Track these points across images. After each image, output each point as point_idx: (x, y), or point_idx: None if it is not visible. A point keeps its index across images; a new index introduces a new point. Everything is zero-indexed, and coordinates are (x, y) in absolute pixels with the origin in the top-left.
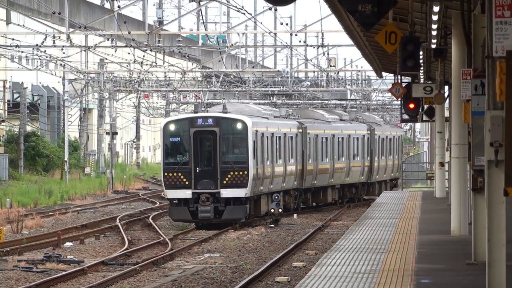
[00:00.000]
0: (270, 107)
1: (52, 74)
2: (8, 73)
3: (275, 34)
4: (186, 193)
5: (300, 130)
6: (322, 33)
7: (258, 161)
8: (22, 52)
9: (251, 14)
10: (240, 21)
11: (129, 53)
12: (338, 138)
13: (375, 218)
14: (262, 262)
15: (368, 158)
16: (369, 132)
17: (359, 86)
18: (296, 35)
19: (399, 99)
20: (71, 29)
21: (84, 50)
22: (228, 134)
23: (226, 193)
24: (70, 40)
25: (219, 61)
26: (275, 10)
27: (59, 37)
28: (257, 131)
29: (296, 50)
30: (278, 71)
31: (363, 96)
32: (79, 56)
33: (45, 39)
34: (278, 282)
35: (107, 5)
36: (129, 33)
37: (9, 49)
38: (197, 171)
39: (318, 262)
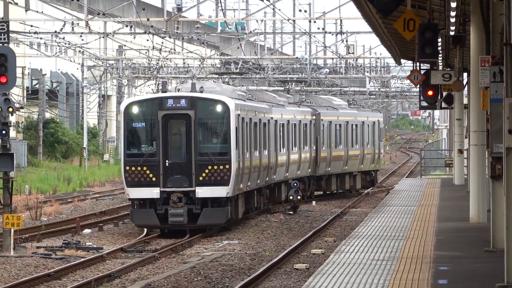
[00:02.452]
0: (284, 93)
1: (71, 61)
2: (27, 60)
3: (294, 21)
4: (153, 192)
5: (314, 117)
6: (341, 20)
7: (240, 152)
8: (41, 38)
9: (269, 1)
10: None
11: (147, 40)
12: (352, 125)
13: (393, 205)
14: (281, 249)
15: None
16: (379, 119)
17: (377, 73)
18: (314, 22)
19: (418, 86)
20: (90, 16)
21: (103, 37)
22: (205, 119)
23: (202, 192)
24: (89, 26)
25: (238, 48)
26: None
27: (78, 23)
28: (239, 115)
29: (314, 37)
30: (297, 58)
31: (382, 83)
32: (97, 43)
33: (64, 25)
34: (296, 269)
35: None
36: (148, 19)
37: (28, 36)
38: (167, 164)
39: (337, 249)
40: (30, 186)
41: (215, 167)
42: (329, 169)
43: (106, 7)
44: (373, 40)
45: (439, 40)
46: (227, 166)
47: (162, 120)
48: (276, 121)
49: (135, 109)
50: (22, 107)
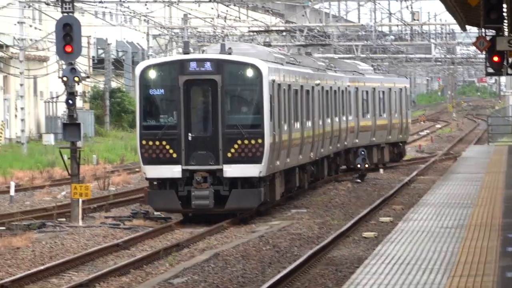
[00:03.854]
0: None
1: (136, 30)
2: (92, 29)
3: None
4: (174, 171)
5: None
6: None
7: (276, 124)
8: (106, 8)
9: None
10: None
11: (212, 8)
12: (379, 92)
13: (461, 172)
14: (349, 217)
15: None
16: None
17: (443, 40)
18: None
19: (484, 52)
20: None
21: (168, 6)
22: (234, 85)
23: (231, 171)
24: None
25: (303, 15)
26: None
27: None
28: (274, 81)
29: (379, 4)
30: (362, 25)
31: (448, 50)
32: (162, 12)
33: None
34: (365, 238)
35: None
36: None
37: (92, 5)
38: (190, 138)
39: (405, 217)
40: (97, 156)
41: (246, 141)
42: (357, 140)
43: None
44: (438, 6)
45: (504, 5)
46: (259, 141)
47: (184, 87)
48: (322, 87)
49: (152, 74)
50: (88, 77)
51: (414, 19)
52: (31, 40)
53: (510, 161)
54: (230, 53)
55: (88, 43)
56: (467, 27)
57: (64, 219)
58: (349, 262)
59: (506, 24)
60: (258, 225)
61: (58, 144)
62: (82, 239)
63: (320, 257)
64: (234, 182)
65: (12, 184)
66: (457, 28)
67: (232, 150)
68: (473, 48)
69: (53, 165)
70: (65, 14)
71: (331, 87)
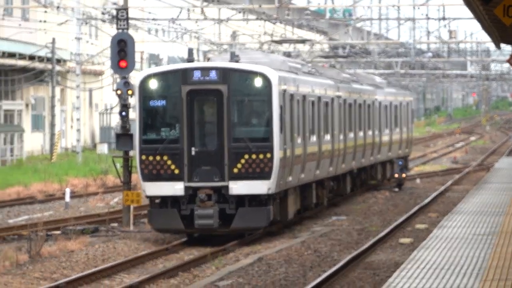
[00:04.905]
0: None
1: (187, 46)
2: (145, 45)
3: (399, 7)
4: (176, 188)
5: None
6: (444, 7)
7: (288, 137)
8: (159, 25)
9: None
10: None
11: (259, 26)
12: (394, 106)
13: (493, 182)
14: (387, 224)
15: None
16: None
17: (478, 57)
18: (418, 8)
19: None
20: (205, 3)
21: (218, 23)
22: (241, 95)
23: (237, 187)
24: (204, 13)
25: (345, 33)
26: None
27: (194, 10)
28: (285, 91)
29: (418, 22)
30: (402, 42)
31: (482, 66)
32: (212, 29)
33: (180, 12)
34: (401, 244)
35: None
36: (260, 6)
37: (146, 22)
38: (193, 153)
39: (440, 224)
40: None
41: (253, 156)
42: (379, 156)
43: None
44: (474, 25)
45: None
46: (268, 155)
47: (187, 97)
48: (345, 100)
49: (153, 83)
50: None
51: (451, 37)
52: (87, 55)
53: None
54: (237, 61)
55: (141, 58)
56: (502, 45)
57: (116, 224)
58: (386, 266)
59: None
60: (300, 230)
61: (111, 153)
62: (133, 243)
63: (359, 262)
64: (241, 200)
65: (68, 191)
66: (492, 46)
67: (239, 166)
68: (507, 65)
69: (106, 173)
70: (120, 30)
71: (355, 100)
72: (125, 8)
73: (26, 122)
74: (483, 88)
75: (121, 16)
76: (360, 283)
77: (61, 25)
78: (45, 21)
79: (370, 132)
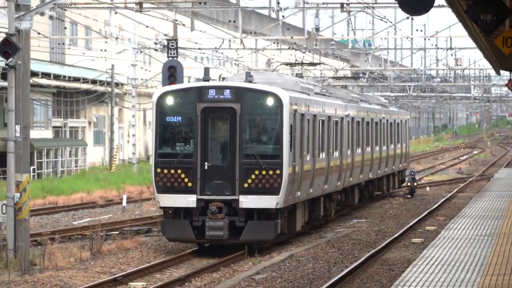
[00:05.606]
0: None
1: (228, 72)
2: (192, 71)
3: (412, 38)
4: (188, 200)
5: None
6: (451, 38)
7: (298, 154)
8: (204, 53)
9: (391, 22)
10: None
11: (291, 54)
12: (397, 123)
13: (493, 190)
14: (400, 226)
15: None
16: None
17: (480, 82)
18: (429, 39)
19: None
20: (244, 35)
21: (254, 52)
22: (253, 114)
23: (247, 201)
24: (243, 43)
25: (365, 61)
26: (412, 19)
27: (234, 41)
28: (296, 110)
29: (429, 52)
30: (414, 69)
31: (484, 90)
32: (250, 57)
33: (222, 43)
34: (413, 243)
35: (273, 15)
36: (292, 37)
37: (193, 51)
38: (206, 167)
39: (447, 226)
40: None
41: (263, 172)
42: (386, 169)
43: (257, 27)
44: (477, 54)
45: None
46: (277, 172)
47: (202, 114)
48: (352, 118)
49: (169, 100)
50: None
51: (457, 65)
52: (142, 79)
53: None
54: (250, 81)
55: (189, 82)
56: (501, 71)
57: None
58: (400, 263)
59: None
60: (326, 231)
61: None
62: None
63: (376, 259)
64: (250, 213)
65: (124, 196)
66: (492, 72)
67: (249, 181)
68: (505, 88)
69: None
70: (170, 58)
71: (363, 118)
72: (174, 39)
73: (89, 137)
74: (485, 108)
75: (171, 46)
76: (378, 277)
77: (119, 54)
78: (105, 50)
79: (377, 148)
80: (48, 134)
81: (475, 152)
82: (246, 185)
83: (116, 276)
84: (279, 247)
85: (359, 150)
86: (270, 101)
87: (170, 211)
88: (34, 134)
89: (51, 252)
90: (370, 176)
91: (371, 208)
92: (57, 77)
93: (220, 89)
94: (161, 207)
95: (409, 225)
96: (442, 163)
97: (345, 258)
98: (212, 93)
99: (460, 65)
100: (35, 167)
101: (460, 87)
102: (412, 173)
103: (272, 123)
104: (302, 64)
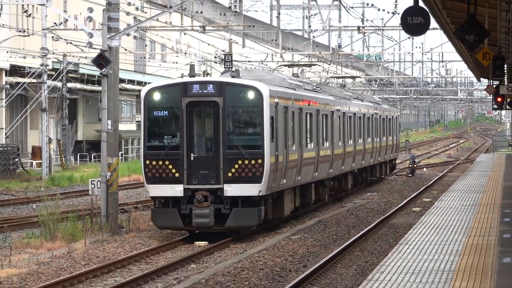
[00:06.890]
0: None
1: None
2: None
3: (412, 53)
4: (176, 190)
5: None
6: (442, 53)
7: (281, 145)
8: (252, 65)
9: (397, 41)
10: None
11: (319, 66)
12: (389, 119)
13: (476, 171)
14: (404, 198)
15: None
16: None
17: (465, 87)
18: (425, 54)
19: (491, 95)
20: (283, 50)
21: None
22: (235, 107)
23: (231, 190)
24: (282, 57)
25: (377, 70)
26: (412, 38)
27: (275, 55)
28: (277, 103)
29: (425, 64)
30: (414, 77)
31: (468, 93)
32: (287, 69)
33: (266, 56)
34: (413, 211)
35: (306, 35)
36: (320, 53)
37: (244, 63)
38: (192, 158)
39: (439, 198)
40: None
41: (246, 161)
42: (379, 158)
43: (293, 45)
44: (463, 65)
45: (505, 65)
46: (259, 161)
47: (187, 108)
48: (344, 113)
49: (156, 96)
50: None
51: (447, 73)
52: None
53: (507, 163)
54: (234, 77)
55: None
56: (481, 79)
57: None
58: (403, 226)
59: (506, 77)
60: (346, 202)
61: None
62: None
63: (385, 223)
64: (235, 201)
65: None
66: (474, 79)
67: (233, 170)
68: (485, 92)
69: None
70: (226, 68)
71: (354, 113)
72: (230, 54)
73: None
74: (469, 107)
75: (227, 59)
76: (386, 237)
77: (187, 65)
78: (176, 62)
79: (369, 139)
80: (133, 127)
81: (461, 141)
82: (230, 174)
83: (184, 236)
84: (310, 214)
85: (351, 141)
86: (251, 95)
87: (161, 201)
88: (122, 127)
89: (134, 218)
90: (363, 164)
91: (381, 184)
92: (139, 83)
93: (203, 84)
94: (151, 197)
95: (410, 197)
96: (436, 149)
97: (361, 223)
98: (196, 88)
99: (450, 74)
100: (122, 152)
101: (450, 91)
102: (413, 157)
103: (253, 115)
104: (299, 65)
